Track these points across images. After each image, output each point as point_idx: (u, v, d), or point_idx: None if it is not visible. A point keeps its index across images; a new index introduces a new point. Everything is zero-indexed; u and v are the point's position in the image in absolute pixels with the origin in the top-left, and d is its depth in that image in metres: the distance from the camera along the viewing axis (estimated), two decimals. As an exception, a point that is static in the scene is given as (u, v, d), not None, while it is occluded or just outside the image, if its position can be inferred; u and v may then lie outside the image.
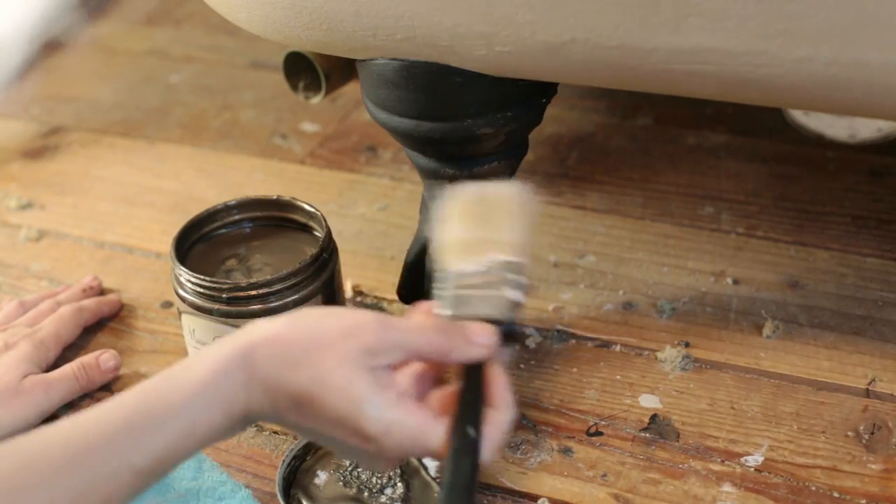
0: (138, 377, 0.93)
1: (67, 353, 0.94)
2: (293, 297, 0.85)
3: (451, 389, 0.66)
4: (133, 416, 0.61)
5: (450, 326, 0.66)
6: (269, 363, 0.62)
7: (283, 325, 0.64)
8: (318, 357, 0.62)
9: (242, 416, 0.62)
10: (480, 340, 0.65)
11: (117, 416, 0.61)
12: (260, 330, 0.63)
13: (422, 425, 0.62)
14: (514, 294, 0.67)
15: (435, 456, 0.63)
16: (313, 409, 0.62)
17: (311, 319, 0.64)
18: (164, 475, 0.62)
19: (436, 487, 0.80)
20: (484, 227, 0.69)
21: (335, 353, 0.62)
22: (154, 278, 1.04)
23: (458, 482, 0.61)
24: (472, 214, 0.70)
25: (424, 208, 0.92)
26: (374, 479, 0.81)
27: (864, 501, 0.78)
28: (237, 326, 0.85)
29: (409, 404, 0.62)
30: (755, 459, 0.82)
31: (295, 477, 0.82)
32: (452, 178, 0.87)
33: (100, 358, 0.91)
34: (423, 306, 0.69)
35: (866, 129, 1.13)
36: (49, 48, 1.47)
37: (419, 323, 0.66)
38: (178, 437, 0.60)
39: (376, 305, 0.99)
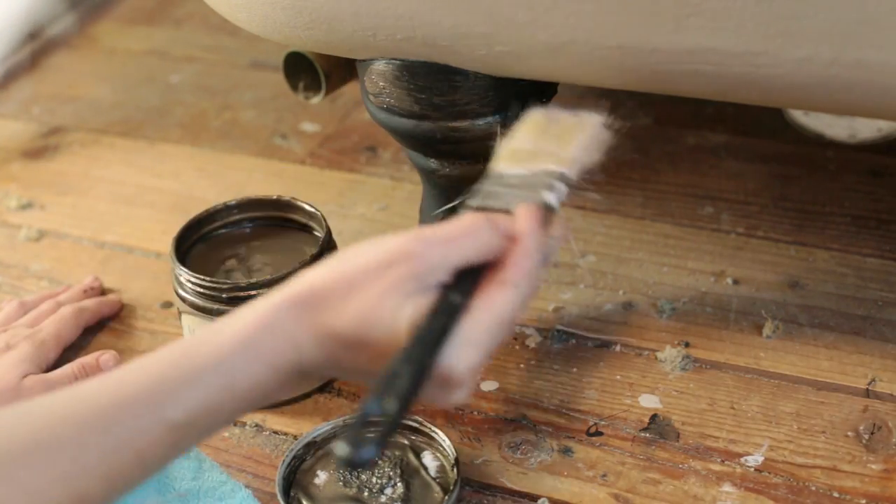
0: (138, 377, 0.93)
1: (68, 353, 0.94)
2: (293, 297, 0.85)
3: None
4: (167, 369, 0.58)
5: (488, 223, 0.63)
6: (314, 312, 0.60)
7: (324, 272, 0.61)
8: (361, 296, 0.59)
9: (294, 371, 0.60)
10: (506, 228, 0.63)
11: (151, 370, 0.59)
12: (302, 281, 0.61)
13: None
14: (548, 197, 0.66)
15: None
16: (367, 349, 0.60)
17: (351, 256, 0.62)
18: (207, 432, 0.60)
19: (436, 487, 0.80)
20: (545, 142, 0.69)
21: (378, 287, 0.59)
22: (154, 278, 1.04)
23: (424, 337, 0.58)
24: (538, 130, 0.70)
25: (424, 208, 0.92)
26: (374, 479, 0.81)
27: (864, 501, 0.78)
28: (237, 326, 0.85)
29: (465, 321, 0.59)
30: (755, 459, 0.82)
31: (295, 477, 0.82)
32: (452, 178, 0.87)
33: (100, 359, 0.92)
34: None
35: (866, 129, 1.13)
36: (48, 47, 1.47)
37: (460, 227, 0.62)
38: (216, 391, 0.58)
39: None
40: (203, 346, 0.59)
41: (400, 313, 0.59)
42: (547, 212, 0.66)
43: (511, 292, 0.61)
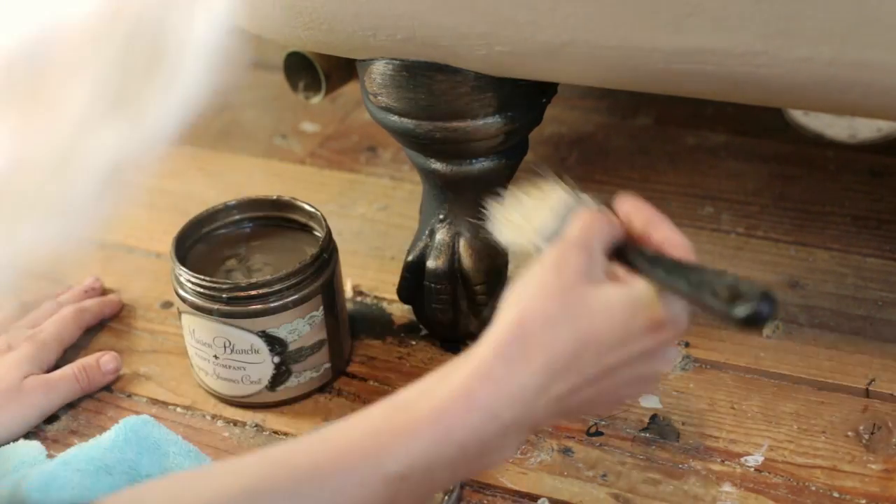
0: (138, 377, 0.93)
1: (68, 353, 0.94)
2: (293, 297, 0.85)
3: None
4: (382, 423, 0.58)
5: (597, 213, 0.65)
6: (527, 346, 0.59)
7: (514, 309, 0.60)
8: (561, 302, 0.59)
9: (518, 419, 0.59)
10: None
11: (366, 424, 0.59)
12: (500, 326, 0.60)
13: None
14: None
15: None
16: (597, 343, 0.59)
17: (523, 287, 0.62)
18: (424, 489, 0.59)
19: (436, 487, 0.80)
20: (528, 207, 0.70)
21: (568, 287, 0.60)
22: (154, 278, 1.04)
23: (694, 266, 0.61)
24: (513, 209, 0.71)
25: (424, 208, 0.92)
26: (374, 479, 0.81)
27: (864, 501, 0.78)
28: (237, 326, 0.85)
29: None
30: (755, 459, 0.82)
31: (295, 477, 0.82)
32: (452, 178, 0.87)
33: (100, 360, 0.92)
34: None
35: (866, 129, 1.13)
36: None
37: (583, 223, 0.64)
38: (433, 443, 0.57)
39: (376, 305, 0.99)
40: (421, 400, 0.59)
41: (602, 293, 0.60)
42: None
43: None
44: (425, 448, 0.57)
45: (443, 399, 0.58)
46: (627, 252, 0.64)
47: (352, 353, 0.94)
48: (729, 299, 0.57)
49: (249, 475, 0.56)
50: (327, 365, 0.90)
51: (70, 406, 0.90)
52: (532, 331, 0.59)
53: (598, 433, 0.85)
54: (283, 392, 0.88)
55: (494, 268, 0.91)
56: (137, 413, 0.86)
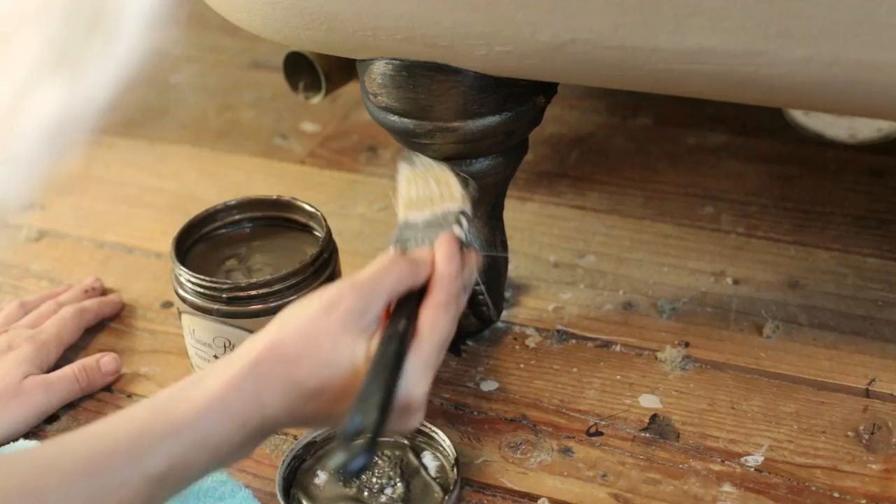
0: (138, 377, 0.93)
1: (68, 352, 0.94)
2: (293, 297, 0.85)
3: None
4: (145, 424, 0.62)
5: (406, 258, 0.70)
6: (275, 370, 0.64)
7: (276, 330, 0.66)
8: (314, 343, 0.65)
9: (259, 429, 0.64)
10: (429, 258, 0.71)
11: (130, 425, 0.62)
12: (259, 342, 0.66)
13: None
14: (458, 230, 0.73)
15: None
16: (330, 391, 0.64)
17: (295, 311, 0.67)
18: (183, 486, 0.63)
19: (436, 487, 0.80)
20: (429, 188, 0.76)
21: (327, 331, 0.65)
22: (154, 278, 1.04)
23: (382, 362, 0.63)
24: (418, 179, 0.78)
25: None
26: (374, 479, 0.81)
27: (864, 501, 0.78)
28: (237, 326, 0.85)
29: (413, 349, 0.66)
30: (755, 459, 0.82)
31: (295, 477, 0.82)
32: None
33: (101, 360, 0.92)
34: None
35: (866, 129, 1.13)
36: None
37: (381, 265, 0.69)
38: (190, 447, 0.62)
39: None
40: (180, 404, 0.63)
41: (356, 350, 0.65)
42: (459, 243, 0.72)
43: (444, 313, 0.68)
44: (184, 451, 0.62)
45: (200, 405, 0.63)
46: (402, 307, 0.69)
47: (352, 353, 0.94)
48: (343, 440, 0.60)
49: (22, 474, 0.59)
50: (327, 365, 0.90)
51: (70, 406, 0.90)
52: (283, 358, 0.65)
53: (598, 433, 0.85)
54: (283, 392, 0.88)
55: (494, 268, 0.91)
56: (137, 413, 0.86)
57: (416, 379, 0.65)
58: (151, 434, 0.61)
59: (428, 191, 0.77)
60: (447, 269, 0.70)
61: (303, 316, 0.66)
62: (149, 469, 0.60)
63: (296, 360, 0.64)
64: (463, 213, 0.74)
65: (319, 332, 0.65)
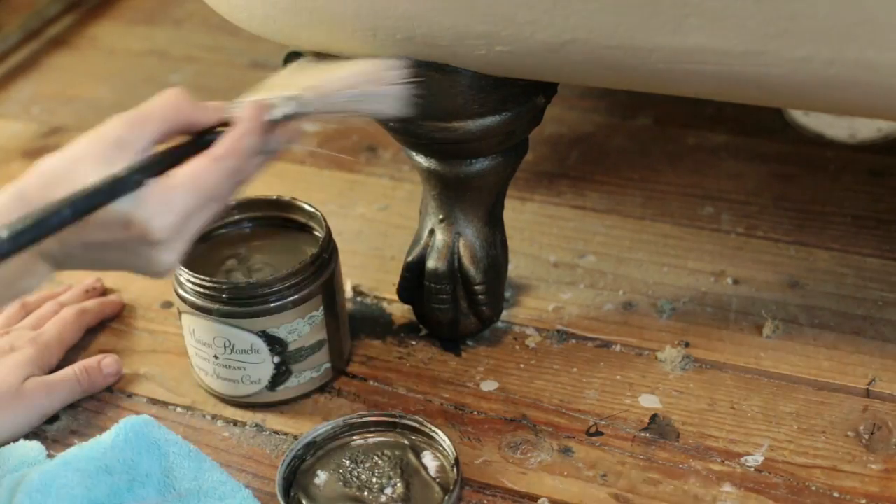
0: (138, 377, 0.93)
1: (69, 353, 0.94)
2: (293, 297, 0.85)
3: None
4: None
5: (190, 97, 0.69)
6: (38, 189, 0.64)
7: (50, 156, 0.66)
8: (74, 168, 0.64)
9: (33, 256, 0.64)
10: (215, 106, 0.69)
11: None
12: (32, 168, 0.66)
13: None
14: (274, 108, 0.70)
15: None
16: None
17: (74, 141, 0.67)
18: None
19: (436, 487, 0.80)
20: (300, 78, 0.74)
21: (89, 156, 0.65)
22: (154, 278, 1.04)
23: (92, 186, 0.63)
24: (300, 70, 0.76)
25: (424, 208, 0.92)
26: (373, 479, 0.81)
27: (864, 501, 0.78)
28: (237, 326, 0.85)
29: (163, 180, 0.65)
30: (755, 459, 0.82)
31: (295, 477, 0.82)
32: (452, 178, 0.87)
33: (102, 362, 0.92)
34: None
35: (866, 129, 1.13)
36: (48, 47, 1.47)
37: (158, 96, 0.68)
38: None
39: (376, 305, 0.99)
40: None
41: (93, 175, 0.64)
42: (273, 121, 0.70)
43: (212, 163, 0.67)
44: None
45: None
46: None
47: (352, 354, 0.94)
48: None
49: None
50: (327, 365, 0.90)
51: (70, 406, 0.90)
52: (46, 180, 0.64)
53: (598, 433, 0.85)
54: (282, 392, 0.88)
55: (494, 268, 0.91)
56: (137, 413, 0.85)
57: (145, 205, 0.64)
58: None
59: (294, 80, 0.74)
60: (237, 127, 0.68)
61: (74, 144, 0.66)
62: None
63: (55, 180, 0.64)
64: (297, 97, 0.71)
65: (83, 157, 0.65)
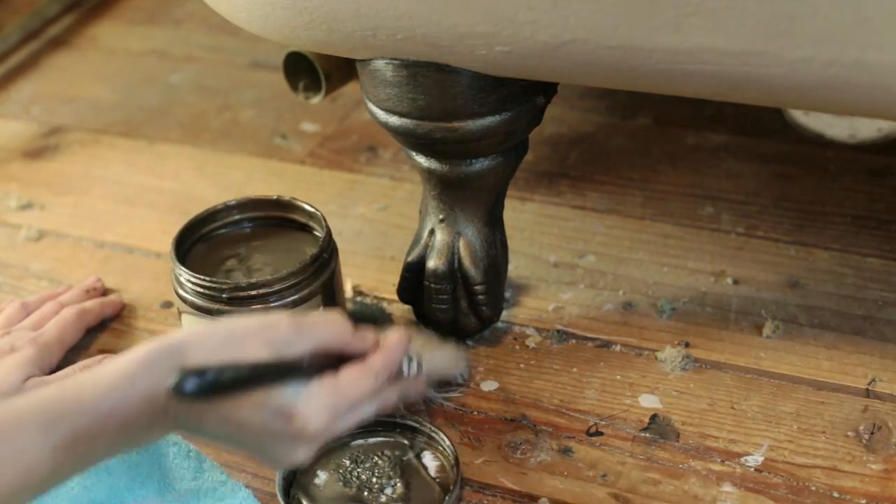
0: (138, 377, 0.93)
1: (69, 353, 0.94)
2: (293, 297, 0.85)
3: None
4: (54, 401, 0.63)
5: (352, 327, 0.70)
6: (195, 354, 0.64)
7: (206, 325, 0.67)
8: (236, 346, 0.65)
9: (164, 409, 0.64)
10: (372, 339, 0.70)
11: (40, 401, 0.63)
12: (186, 331, 0.66)
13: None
14: (405, 361, 0.71)
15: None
16: (237, 397, 0.64)
17: (233, 318, 0.68)
18: (91, 460, 0.64)
19: (436, 487, 0.80)
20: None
21: (252, 340, 0.65)
22: (154, 278, 1.04)
23: (265, 365, 0.64)
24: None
25: (424, 208, 0.92)
26: (373, 479, 0.81)
27: (864, 501, 0.78)
28: (237, 326, 0.85)
29: (327, 381, 0.66)
30: (755, 459, 0.82)
31: (295, 477, 0.82)
32: (452, 178, 0.87)
33: (102, 363, 0.92)
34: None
35: (866, 129, 1.13)
36: (48, 47, 1.47)
37: (327, 316, 0.70)
38: (95, 422, 0.62)
39: (376, 305, 0.99)
40: (89, 381, 0.64)
41: (262, 356, 0.65)
42: (404, 350, 0.71)
43: (366, 376, 0.67)
44: (89, 425, 0.62)
45: (107, 382, 0.63)
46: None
47: (352, 353, 0.94)
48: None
49: None
50: (327, 365, 0.90)
51: (70, 406, 0.90)
52: (203, 347, 0.65)
53: (598, 433, 0.85)
54: (283, 392, 0.88)
55: (494, 268, 0.91)
56: (137, 413, 0.85)
57: (310, 402, 0.65)
58: (59, 408, 0.62)
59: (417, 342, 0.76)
60: (389, 349, 0.70)
61: (237, 322, 0.67)
62: (54, 439, 0.61)
63: (213, 352, 0.64)
64: (418, 357, 0.72)
65: (245, 338, 0.65)
